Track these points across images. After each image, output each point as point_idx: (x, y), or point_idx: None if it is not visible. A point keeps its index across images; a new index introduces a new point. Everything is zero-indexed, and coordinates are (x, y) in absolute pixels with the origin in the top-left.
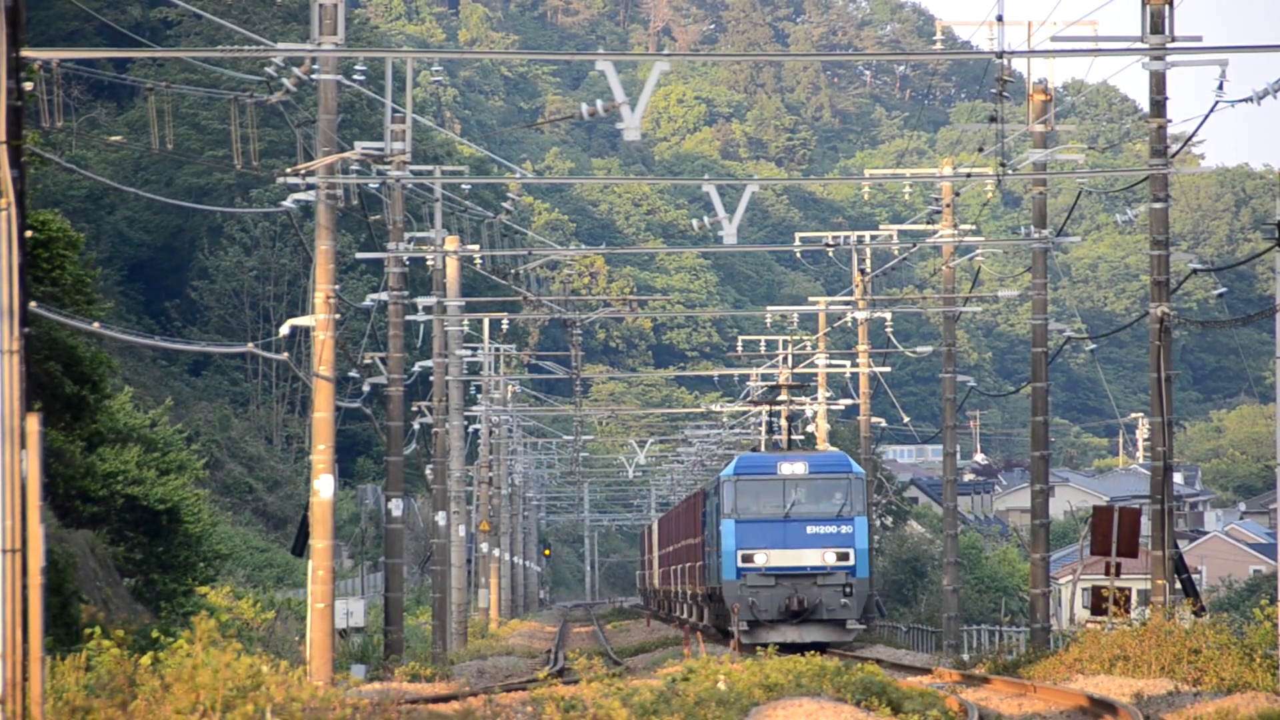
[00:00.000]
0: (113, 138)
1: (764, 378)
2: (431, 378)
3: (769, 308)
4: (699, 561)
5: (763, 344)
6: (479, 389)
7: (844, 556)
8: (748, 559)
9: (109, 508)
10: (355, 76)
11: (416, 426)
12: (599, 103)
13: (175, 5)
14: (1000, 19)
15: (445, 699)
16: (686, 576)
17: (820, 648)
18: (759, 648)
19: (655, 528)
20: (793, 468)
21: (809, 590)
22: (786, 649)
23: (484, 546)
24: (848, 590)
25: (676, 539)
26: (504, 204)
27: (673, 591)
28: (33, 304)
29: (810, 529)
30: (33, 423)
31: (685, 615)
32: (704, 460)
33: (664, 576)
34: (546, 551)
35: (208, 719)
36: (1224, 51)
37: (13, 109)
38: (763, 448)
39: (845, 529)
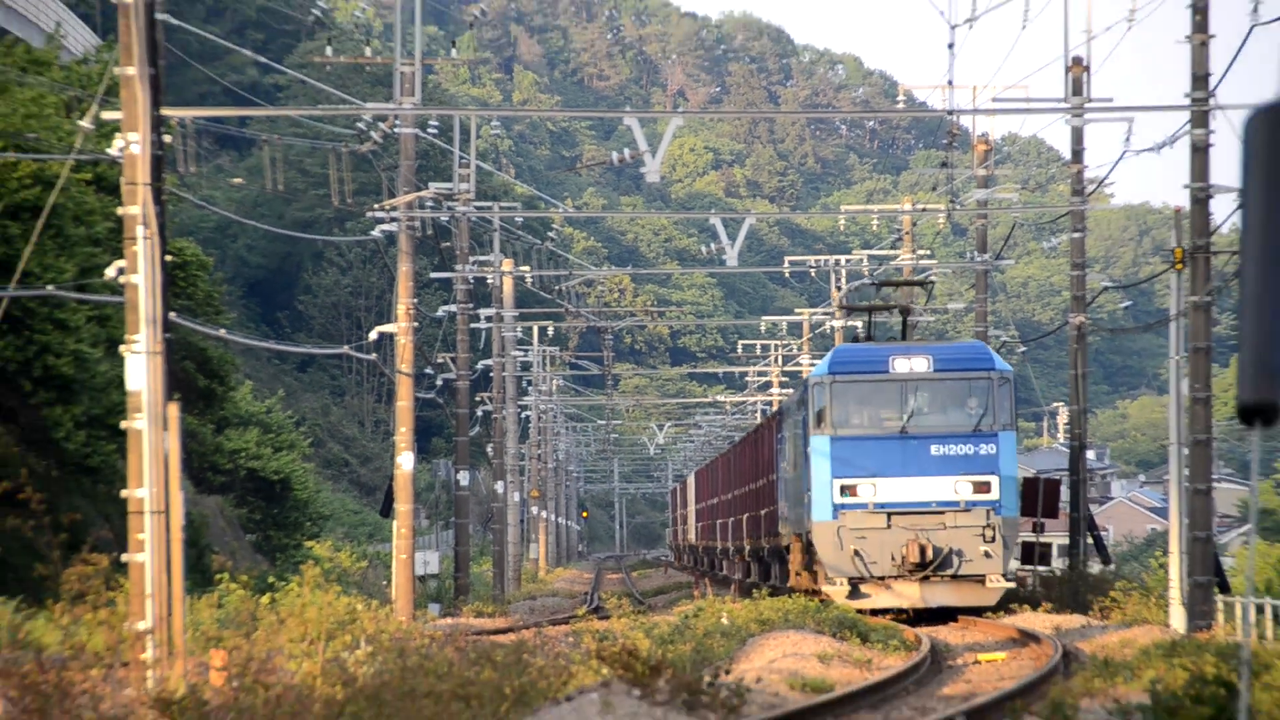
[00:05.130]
0: (235, 180)
1: (760, 374)
2: (492, 374)
3: (763, 317)
4: (767, 507)
5: (758, 346)
6: (530, 383)
7: (984, 487)
8: (848, 491)
9: (234, 478)
10: (429, 130)
11: (480, 413)
12: (626, 151)
13: (285, 73)
14: (950, 83)
15: (504, 631)
16: (746, 529)
17: (952, 615)
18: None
19: (692, 481)
20: (911, 363)
21: (936, 534)
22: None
23: (534, 509)
24: (989, 534)
25: (725, 489)
26: (549, 234)
27: (716, 548)
28: (172, 315)
29: (937, 449)
30: (173, 410)
31: (737, 574)
32: (711, 440)
33: (704, 531)
34: (584, 514)
35: (314, 646)
36: (1131, 110)
37: (155, 158)
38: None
39: (987, 449)
